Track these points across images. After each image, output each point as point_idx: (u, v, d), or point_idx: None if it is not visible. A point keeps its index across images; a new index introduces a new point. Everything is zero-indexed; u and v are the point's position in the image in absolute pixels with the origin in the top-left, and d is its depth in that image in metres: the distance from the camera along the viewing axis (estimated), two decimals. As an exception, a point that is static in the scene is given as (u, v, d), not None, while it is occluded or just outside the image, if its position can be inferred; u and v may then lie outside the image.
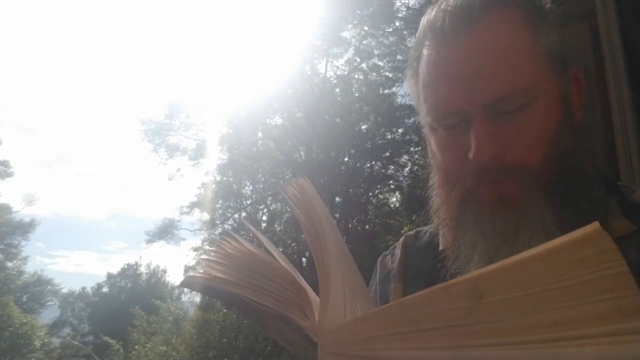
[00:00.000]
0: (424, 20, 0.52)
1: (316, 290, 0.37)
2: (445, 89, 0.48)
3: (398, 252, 0.67)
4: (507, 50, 0.46)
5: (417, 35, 0.54)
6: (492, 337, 0.21)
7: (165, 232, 15.18)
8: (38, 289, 24.88)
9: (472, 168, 0.47)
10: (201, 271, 0.38)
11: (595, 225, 0.18)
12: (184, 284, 0.39)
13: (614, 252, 0.18)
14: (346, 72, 13.67)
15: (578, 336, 0.19)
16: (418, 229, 0.69)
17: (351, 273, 0.34)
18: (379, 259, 0.70)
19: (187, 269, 14.81)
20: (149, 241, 15.19)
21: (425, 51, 0.51)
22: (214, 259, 0.37)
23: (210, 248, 0.39)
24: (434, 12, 0.50)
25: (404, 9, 12.15)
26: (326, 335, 0.30)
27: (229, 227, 13.96)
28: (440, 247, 0.58)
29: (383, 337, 0.25)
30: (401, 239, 0.68)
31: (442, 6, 0.49)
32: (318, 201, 0.35)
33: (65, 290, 28.06)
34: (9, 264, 22.70)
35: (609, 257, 0.18)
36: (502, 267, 0.21)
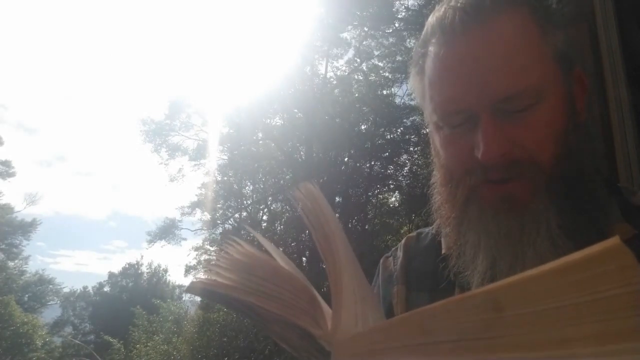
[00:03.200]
0: (432, 18, 0.52)
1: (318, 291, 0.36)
2: (452, 86, 0.48)
3: (400, 254, 0.66)
4: (516, 49, 0.46)
5: (423, 32, 0.53)
6: (511, 352, 0.21)
7: (166, 232, 15.19)
8: (39, 289, 24.91)
9: (478, 167, 0.47)
10: (206, 276, 0.37)
11: (615, 239, 0.18)
12: (189, 290, 0.38)
13: (634, 268, 0.18)
14: (346, 73, 13.67)
15: (598, 353, 0.19)
16: (419, 230, 0.68)
17: (360, 280, 0.33)
18: (381, 261, 0.69)
19: (188, 268, 14.83)
20: (150, 241, 15.20)
21: (432, 48, 0.50)
22: (219, 263, 0.36)
23: (215, 252, 0.38)
24: (443, 9, 0.50)
25: (403, 10, 12.15)
26: (340, 344, 0.29)
27: (230, 227, 13.96)
28: (443, 251, 0.58)
29: (399, 348, 0.25)
30: (402, 241, 0.68)
31: (452, 3, 0.49)
32: (326, 206, 0.34)
33: (66, 290, 28.18)
34: (11, 264, 22.73)
35: (630, 274, 0.18)
36: (523, 280, 0.20)
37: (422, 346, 0.23)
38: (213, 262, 0.37)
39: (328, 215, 0.34)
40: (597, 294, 0.19)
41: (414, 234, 0.68)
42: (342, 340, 0.29)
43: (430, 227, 0.65)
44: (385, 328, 0.27)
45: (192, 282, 0.38)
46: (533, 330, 0.20)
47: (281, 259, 0.37)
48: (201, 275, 0.38)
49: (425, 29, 0.53)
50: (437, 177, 0.55)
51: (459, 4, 0.48)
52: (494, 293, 0.21)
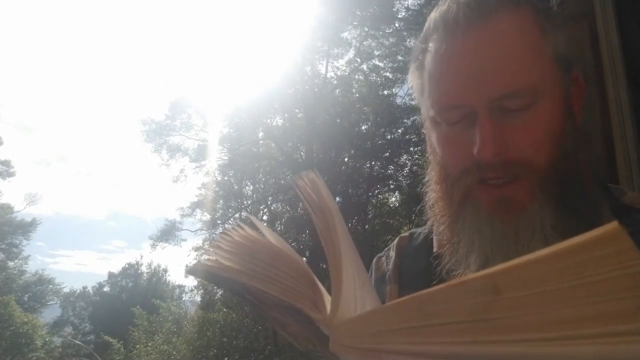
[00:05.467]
0: (434, 13, 0.52)
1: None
2: (452, 81, 0.48)
3: (392, 253, 0.66)
4: (517, 48, 0.46)
5: (425, 27, 0.53)
6: (508, 333, 0.21)
7: (167, 234, 15.20)
8: (39, 289, 24.91)
9: (474, 165, 0.47)
10: (209, 259, 0.37)
11: (614, 224, 0.18)
12: (191, 272, 0.38)
13: (632, 251, 0.18)
14: (346, 73, 13.66)
15: (595, 334, 0.19)
16: (412, 230, 0.68)
17: (359, 268, 0.34)
18: (374, 261, 0.70)
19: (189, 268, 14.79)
20: (153, 245, 15.21)
21: (433, 43, 0.50)
22: (223, 246, 0.37)
23: (219, 236, 0.38)
24: (447, 4, 0.50)
25: (404, 10, 12.17)
26: (338, 327, 0.29)
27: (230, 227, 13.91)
28: (435, 249, 0.58)
29: (397, 330, 0.25)
30: (395, 241, 0.68)
31: None
32: (328, 194, 0.34)
33: (66, 290, 28.14)
34: (11, 264, 22.75)
35: (628, 256, 0.18)
36: (521, 264, 0.21)
37: (421, 328, 0.24)
38: (217, 245, 0.37)
39: (329, 202, 0.34)
40: (595, 277, 0.19)
41: (406, 233, 0.68)
42: (340, 323, 0.29)
43: (423, 227, 0.65)
44: (384, 311, 0.27)
45: (195, 264, 0.38)
46: (530, 312, 0.20)
47: (282, 245, 0.37)
48: (205, 257, 0.38)
49: (427, 24, 0.53)
50: (432, 174, 0.55)
51: (462, 0, 0.48)
52: (492, 277, 0.21)
